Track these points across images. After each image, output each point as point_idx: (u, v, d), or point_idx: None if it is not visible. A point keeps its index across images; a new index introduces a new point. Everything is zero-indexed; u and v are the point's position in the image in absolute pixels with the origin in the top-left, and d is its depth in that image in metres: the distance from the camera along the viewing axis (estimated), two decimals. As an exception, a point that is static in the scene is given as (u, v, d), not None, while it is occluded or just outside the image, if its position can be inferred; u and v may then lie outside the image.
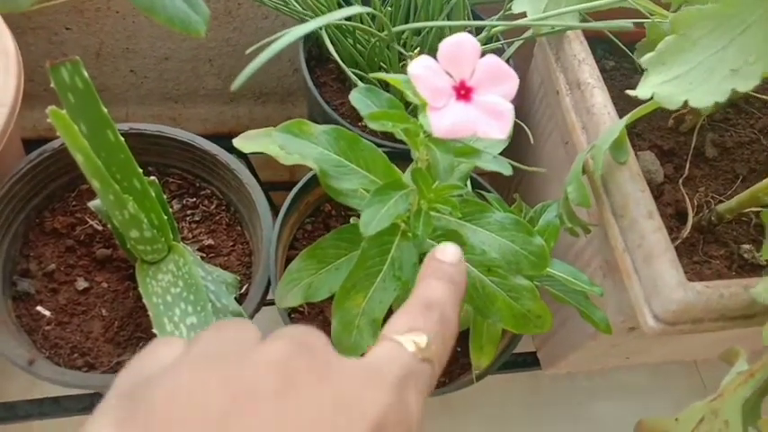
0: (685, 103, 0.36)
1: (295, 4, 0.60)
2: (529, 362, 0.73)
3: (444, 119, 0.31)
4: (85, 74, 0.40)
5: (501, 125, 0.32)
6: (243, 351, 0.23)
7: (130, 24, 0.72)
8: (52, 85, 0.40)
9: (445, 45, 0.32)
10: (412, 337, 0.26)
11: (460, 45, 0.32)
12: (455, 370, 0.55)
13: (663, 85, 0.36)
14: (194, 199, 0.60)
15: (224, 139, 0.60)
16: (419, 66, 0.31)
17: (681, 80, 0.36)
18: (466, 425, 0.82)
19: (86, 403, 0.64)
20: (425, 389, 0.26)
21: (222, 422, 0.20)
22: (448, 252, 0.32)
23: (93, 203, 0.51)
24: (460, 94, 0.32)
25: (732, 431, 0.37)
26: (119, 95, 0.81)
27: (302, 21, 0.61)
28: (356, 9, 0.34)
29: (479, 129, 0.32)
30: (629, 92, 0.38)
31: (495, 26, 0.52)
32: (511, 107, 0.32)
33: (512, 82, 0.33)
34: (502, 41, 0.63)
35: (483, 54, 0.33)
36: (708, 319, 0.43)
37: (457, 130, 0.31)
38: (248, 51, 0.33)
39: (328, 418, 0.21)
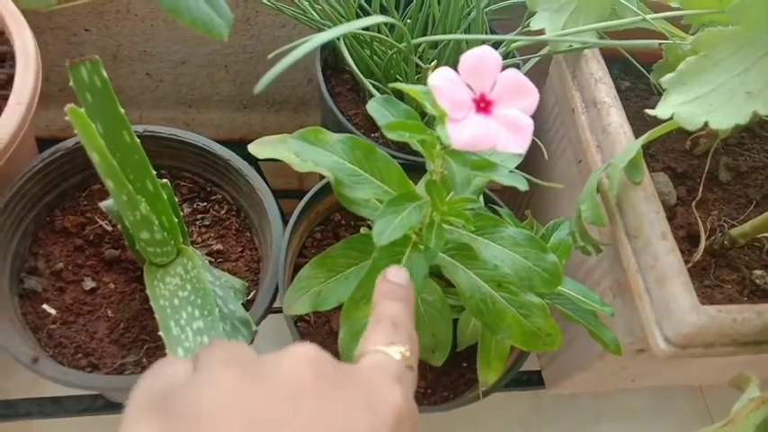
0: (705, 125, 0.36)
1: (313, 13, 0.60)
2: (533, 380, 0.72)
3: (464, 131, 0.31)
4: (104, 73, 0.40)
5: (520, 139, 0.32)
6: (260, 360, 0.24)
7: (149, 28, 0.72)
8: (71, 83, 0.40)
9: (467, 57, 0.32)
10: (395, 348, 0.29)
11: (483, 57, 0.32)
12: (460, 386, 0.54)
13: (683, 106, 0.36)
14: (205, 203, 0.60)
15: (236, 146, 0.60)
16: (440, 77, 0.31)
17: (701, 101, 0.36)
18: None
19: (87, 404, 0.64)
20: (412, 393, 0.28)
21: (272, 419, 0.21)
22: (399, 275, 0.34)
23: (105, 204, 0.51)
24: (480, 107, 0.32)
25: (743, 459, 0.36)
26: (134, 98, 0.81)
27: (320, 30, 0.62)
28: (377, 18, 0.34)
29: (498, 142, 0.31)
30: (649, 111, 0.38)
31: (514, 41, 0.52)
32: (530, 122, 0.32)
33: (532, 97, 0.32)
34: (518, 58, 0.63)
35: (504, 68, 0.33)
36: (719, 344, 0.43)
37: (476, 143, 0.31)
38: (270, 56, 0.33)
39: (363, 417, 0.23)
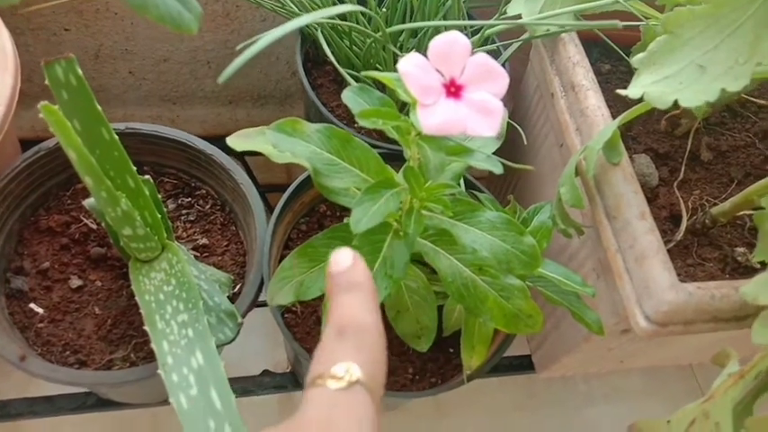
0: (675, 103, 0.36)
1: (292, 5, 0.60)
2: (524, 365, 0.72)
3: (434, 116, 0.31)
4: (79, 71, 0.40)
5: (491, 123, 0.32)
6: None
7: (129, 26, 0.72)
8: (46, 81, 0.40)
9: (436, 42, 0.32)
10: (332, 372, 0.27)
11: (451, 43, 0.32)
12: (448, 371, 0.54)
13: (653, 85, 0.37)
14: (189, 199, 0.60)
15: (222, 141, 0.60)
16: (409, 63, 0.31)
17: (671, 80, 0.36)
18: (461, 428, 0.82)
19: (79, 402, 0.64)
20: (363, 409, 0.26)
21: None
22: (340, 260, 0.32)
23: (88, 202, 0.51)
24: (450, 92, 0.32)
25: (722, 432, 0.37)
26: (117, 96, 0.81)
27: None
28: (349, 7, 0.34)
29: (469, 126, 0.32)
30: (620, 91, 0.38)
31: (492, 26, 0.52)
32: (501, 105, 0.32)
33: (502, 80, 0.33)
34: (498, 44, 0.63)
35: (474, 53, 0.33)
36: (699, 321, 0.43)
37: (447, 128, 0.31)
38: (238, 47, 0.33)
39: None
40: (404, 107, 0.41)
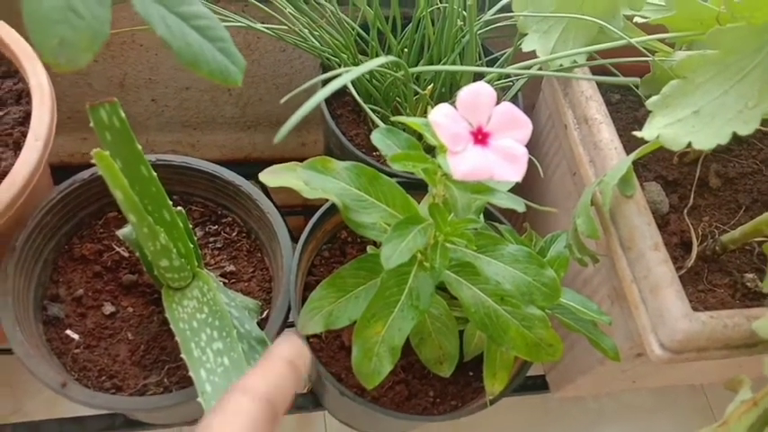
0: (689, 145, 0.38)
1: (313, 40, 0.63)
2: (538, 385, 0.74)
3: (463, 163, 0.33)
4: (122, 114, 0.43)
5: (516, 168, 0.34)
6: None
7: (153, 57, 0.75)
8: (91, 124, 0.42)
9: (464, 94, 0.34)
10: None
11: (478, 94, 0.34)
12: (467, 394, 0.56)
13: (667, 128, 0.39)
14: (216, 226, 0.62)
15: (240, 165, 0.62)
16: (439, 114, 0.33)
17: (684, 123, 0.38)
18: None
19: (108, 423, 0.66)
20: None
21: None
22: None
23: (122, 232, 0.53)
24: (478, 139, 0.34)
25: (736, 457, 0.38)
26: (141, 123, 0.84)
27: (320, 56, 0.64)
28: (383, 59, 0.36)
29: (496, 172, 0.34)
30: (636, 133, 0.41)
31: (508, 72, 0.54)
32: (525, 151, 0.34)
33: (526, 127, 0.35)
34: (511, 79, 0.65)
35: (498, 101, 0.35)
36: (712, 348, 0.45)
37: (476, 174, 0.33)
38: (283, 101, 0.36)
39: None
40: (421, 139, 0.43)
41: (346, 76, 0.33)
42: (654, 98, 0.40)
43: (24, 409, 0.82)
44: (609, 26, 0.49)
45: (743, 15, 0.37)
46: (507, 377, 0.49)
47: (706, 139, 0.38)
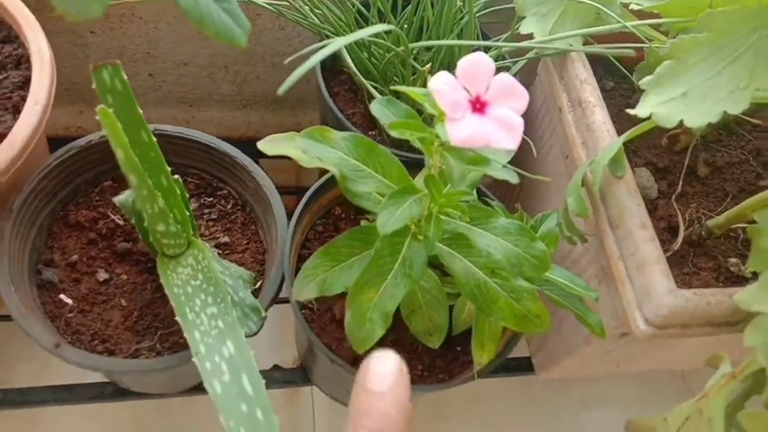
0: (680, 123, 0.39)
1: (314, 17, 0.63)
2: (524, 366, 0.76)
3: (461, 129, 0.34)
4: (124, 76, 0.43)
5: (512, 137, 0.35)
6: None
7: (152, 30, 0.75)
8: (93, 85, 0.43)
9: (463, 63, 0.35)
10: None
11: (477, 63, 0.35)
12: (455, 368, 0.57)
13: (660, 106, 0.40)
14: (212, 198, 0.63)
15: (235, 143, 0.63)
16: (440, 81, 0.34)
17: (677, 102, 0.40)
18: (461, 427, 0.85)
19: (98, 391, 0.67)
20: None
21: None
22: (376, 377, 0.26)
23: (118, 198, 0.54)
24: (476, 108, 0.35)
25: (715, 429, 0.40)
26: (137, 97, 0.82)
27: (319, 33, 0.65)
28: (381, 27, 0.37)
29: (492, 139, 0.35)
30: (629, 111, 0.42)
31: (503, 47, 0.55)
32: (521, 121, 0.35)
33: (523, 98, 0.36)
34: (508, 60, 0.66)
35: (497, 72, 0.36)
36: (695, 325, 0.46)
37: (473, 140, 0.34)
38: (287, 61, 0.36)
39: None
40: (420, 114, 0.44)
41: (347, 38, 0.34)
42: (647, 77, 0.41)
43: (12, 379, 0.82)
44: (606, 10, 0.50)
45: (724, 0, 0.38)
46: (494, 348, 0.50)
47: (697, 117, 0.39)
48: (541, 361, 0.71)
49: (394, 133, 0.39)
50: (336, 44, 0.34)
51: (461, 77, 0.35)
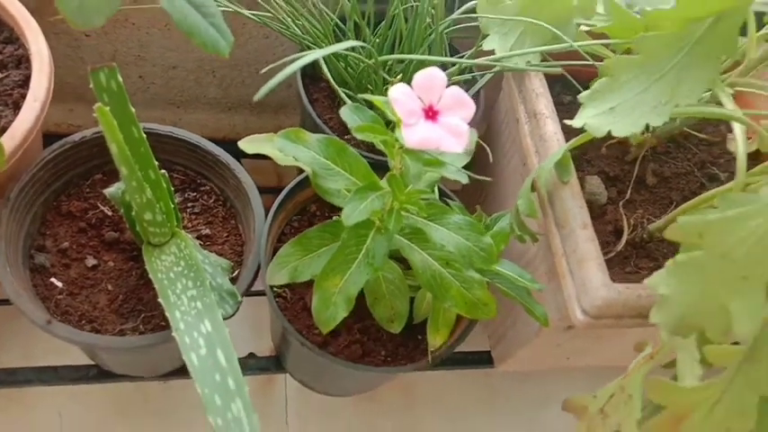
0: (609, 133, 0.45)
1: (295, 28, 0.69)
2: (485, 359, 0.81)
3: (415, 134, 0.39)
4: (120, 78, 0.48)
5: (460, 141, 0.40)
6: None
7: (144, 35, 0.80)
8: (91, 85, 0.47)
9: (419, 76, 0.40)
10: None
11: (432, 77, 0.40)
12: (416, 355, 0.62)
13: (593, 118, 0.45)
14: (195, 193, 0.68)
15: (219, 143, 0.68)
16: (397, 91, 0.39)
17: (608, 114, 0.45)
18: (426, 417, 0.89)
19: (82, 373, 0.71)
20: None
21: None
22: None
23: (108, 191, 0.58)
24: (429, 116, 0.40)
25: (634, 402, 0.45)
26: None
27: (300, 43, 0.70)
28: (352, 43, 0.42)
29: (442, 143, 0.40)
30: (567, 122, 0.47)
31: (466, 64, 0.61)
32: (467, 128, 0.40)
33: (470, 108, 0.41)
34: (475, 73, 0.71)
35: (450, 85, 0.41)
36: (627, 316, 0.52)
37: (424, 144, 0.40)
38: (263, 71, 0.41)
39: None
40: (389, 124, 0.49)
41: (321, 51, 0.39)
42: (585, 93, 0.47)
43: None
44: (559, 33, 0.56)
45: (655, 26, 0.43)
46: (448, 333, 0.55)
47: (624, 128, 0.44)
48: (499, 354, 0.77)
49: (359, 136, 0.44)
50: (311, 56, 0.39)
51: (417, 88, 0.40)
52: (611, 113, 0.45)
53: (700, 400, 0.40)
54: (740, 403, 0.41)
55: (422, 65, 0.68)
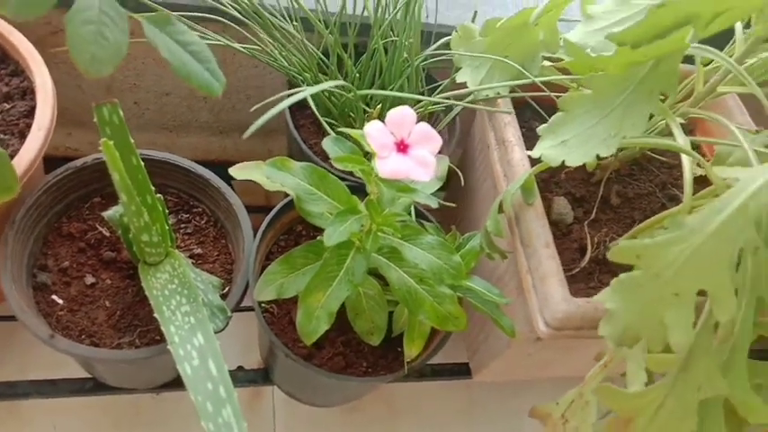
0: (563, 162, 0.50)
1: (282, 60, 0.73)
2: (463, 371, 0.85)
3: (387, 165, 0.44)
4: (121, 113, 0.52)
5: (428, 171, 0.45)
6: None
7: (140, 65, 0.84)
8: (95, 119, 0.52)
9: (392, 113, 0.45)
10: None
11: (403, 114, 0.45)
12: (395, 367, 0.67)
13: (549, 149, 0.50)
14: (188, 215, 0.72)
15: (210, 166, 0.72)
16: (372, 128, 0.44)
17: (563, 146, 0.50)
18: (408, 427, 0.94)
19: (79, 386, 0.75)
20: None
21: None
22: None
23: (107, 213, 0.63)
24: (400, 149, 0.45)
25: (590, 408, 0.50)
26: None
27: (287, 74, 0.75)
28: (335, 82, 0.47)
29: (412, 174, 0.45)
30: (528, 152, 0.52)
31: (437, 101, 0.66)
32: (434, 160, 0.45)
33: (437, 142, 0.46)
34: (451, 101, 0.76)
35: (428, 112, 0.46)
36: (586, 328, 0.57)
37: (395, 174, 0.44)
38: (253, 109, 0.46)
39: None
40: (367, 154, 0.53)
41: (307, 91, 0.43)
42: (543, 126, 0.52)
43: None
44: (523, 70, 0.61)
45: (604, 67, 0.49)
46: (423, 344, 0.59)
47: (577, 158, 0.49)
48: (476, 365, 0.81)
49: (338, 166, 0.49)
50: (297, 96, 0.44)
51: (390, 124, 0.45)
52: (565, 145, 0.50)
53: (644, 404, 0.45)
54: (682, 407, 0.45)
55: (399, 97, 0.73)
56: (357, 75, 0.71)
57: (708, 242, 0.38)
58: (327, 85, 0.47)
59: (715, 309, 0.39)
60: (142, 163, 0.56)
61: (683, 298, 0.40)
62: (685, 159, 0.54)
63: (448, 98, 0.66)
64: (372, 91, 0.67)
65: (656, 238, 0.39)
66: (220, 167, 0.72)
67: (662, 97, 0.53)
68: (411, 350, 0.59)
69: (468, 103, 0.67)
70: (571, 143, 0.50)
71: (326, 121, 0.68)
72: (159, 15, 0.40)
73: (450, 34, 0.73)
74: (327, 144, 0.52)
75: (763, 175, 0.37)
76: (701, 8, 0.40)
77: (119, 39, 0.37)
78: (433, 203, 0.51)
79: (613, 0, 0.47)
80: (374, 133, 0.44)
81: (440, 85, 0.80)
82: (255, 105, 0.47)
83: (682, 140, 0.52)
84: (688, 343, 0.42)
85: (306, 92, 0.45)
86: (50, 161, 0.70)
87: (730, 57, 0.61)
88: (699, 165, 0.83)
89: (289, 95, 0.45)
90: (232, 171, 0.58)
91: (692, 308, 0.40)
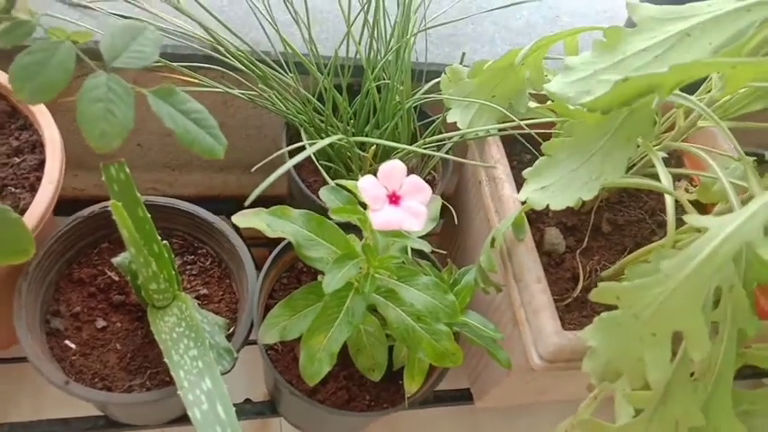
0: (548, 206, 0.52)
1: (279, 104, 0.76)
2: (465, 396, 0.87)
3: (380, 217, 0.47)
4: (127, 170, 0.55)
5: (419, 221, 0.48)
6: None
7: (143, 110, 0.87)
8: (103, 178, 0.55)
9: (383, 167, 0.48)
10: None
11: (393, 168, 0.48)
12: (397, 399, 0.69)
13: (534, 192, 0.53)
14: (193, 256, 0.75)
15: (212, 202, 0.75)
16: (365, 182, 0.47)
17: (546, 189, 0.53)
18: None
19: (92, 423, 0.77)
20: None
21: None
22: None
23: (116, 260, 0.66)
24: (392, 200, 0.48)
25: (582, 438, 0.52)
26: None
27: (285, 117, 0.78)
28: (333, 138, 0.50)
29: (404, 224, 0.47)
30: (514, 195, 0.55)
31: (427, 145, 0.69)
32: (425, 210, 0.48)
33: (427, 193, 0.49)
34: (444, 134, 0.79)
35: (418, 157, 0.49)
36: (576, 359, 0.59)
37: (389, 225, 0.47)
38: (254, 169, 0.49)
39: None
40: (362, 202, 0.56)
41: (304, 153, 0.46)
42: (528, 169, 0.55)
43: (10, 416, 0.91)
44: (506, 112, 0.64)
45: (582, 115, 0.51)
46: (422, 379, 0.62)
47: (561, 201, 0.52)
48: (477, 391, 0.83)
49: (336, 217, 0.51)
50: (299, 158, 0.47)
51: (381, 178, 0.48)
52: (549, 189, 0.53)
53: (625, 437, 0.48)
54: (661, 439, 0.48)
55: (395, 133, 0.76)
56: (351, 115, 0.74)
57: (681, 287, 0.40)
58: (325, 142, 0.50)
59: (690, 348, 0.41)
60: (148, 214, 0.59)
61: (660, 338, 0.42)
62: (668, 199, 0.56)
63: (441, 139, 0.69)
64: (365, 138, 0.70)
65: (634, 282, 0.42)
66: (223, 203, 0.75)
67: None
68: (411, 387, 0.61)
69: (458, 140, 0.70)
70: (555, 187, 0.53)
71: (324, 165, 0.71)
72: (163, 88, 0.43)
73: (440, 72, 0.76)
74: (325, 194, 0.55)
75: (732, 222, 0.40)
76: (662, 80, 0.42)
77: (126, 114, 0.40)
78: (426, 248, 0.54)
79: (591, 52, 0.49)
80: (367, 186, 0.47)
81: (433, 121, 0.83)
82: (256, 166, 0.49)
83: (665, 179, 0.55)
84: (665, 380, 0.45)
85: (305, 152, 0.48)
86: (58, 202, 0.73)
87: (708, 92, 0.64)
88: (687, 190, 0.86)
89: (289, 151, 0.48)
90: (235, 219, 0.61)
91: (668, 347, 0.43)
